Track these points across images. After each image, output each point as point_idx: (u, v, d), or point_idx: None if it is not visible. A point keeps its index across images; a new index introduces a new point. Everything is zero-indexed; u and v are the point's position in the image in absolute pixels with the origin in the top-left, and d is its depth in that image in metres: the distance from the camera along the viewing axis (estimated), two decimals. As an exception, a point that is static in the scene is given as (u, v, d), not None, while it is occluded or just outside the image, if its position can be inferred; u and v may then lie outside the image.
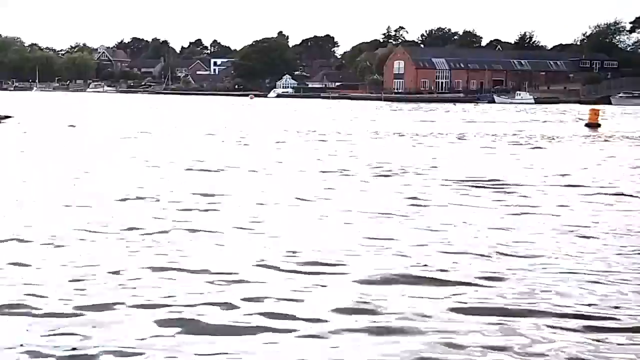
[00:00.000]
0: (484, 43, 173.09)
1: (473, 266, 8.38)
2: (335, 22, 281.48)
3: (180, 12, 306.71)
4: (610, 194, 14.33)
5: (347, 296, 7.11)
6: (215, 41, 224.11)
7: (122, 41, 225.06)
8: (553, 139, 31.89)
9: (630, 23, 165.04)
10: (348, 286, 7.48)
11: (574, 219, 11.42)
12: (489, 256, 8.88)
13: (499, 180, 16.32)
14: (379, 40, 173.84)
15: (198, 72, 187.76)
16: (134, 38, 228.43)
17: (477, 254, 8.94)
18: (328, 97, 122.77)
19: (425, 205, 12.58)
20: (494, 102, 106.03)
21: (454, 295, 7.26)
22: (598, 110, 44.99)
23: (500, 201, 13.24)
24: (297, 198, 13.07)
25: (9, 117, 36.29)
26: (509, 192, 14.39)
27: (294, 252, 8.85)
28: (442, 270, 8.14)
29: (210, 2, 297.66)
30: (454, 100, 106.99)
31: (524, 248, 9.35)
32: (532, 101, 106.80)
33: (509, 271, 8.17)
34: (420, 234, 10.10)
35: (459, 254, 8.93)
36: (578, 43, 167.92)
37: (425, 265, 8.38)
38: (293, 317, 6.48)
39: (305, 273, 7.96)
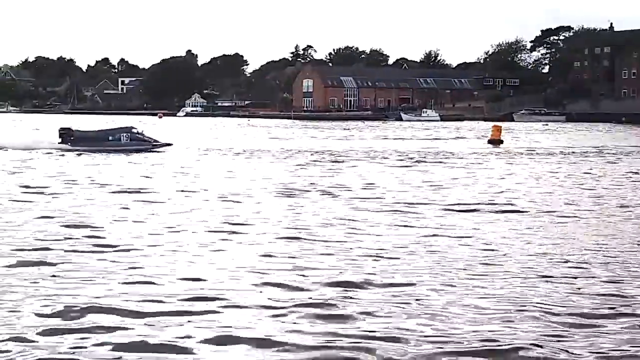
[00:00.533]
0: (390, 61, 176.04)
1: (358, 296, 8.47)
2: (244, 41, 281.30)
3: (86, 30, 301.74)
4: (508, 211, 14.70)
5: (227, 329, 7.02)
6: (122, 60, 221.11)
7: (26, 60, 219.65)
8: (457, 155, 32.60)
9: (531, 42, 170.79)
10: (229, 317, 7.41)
11: (473, 239, 11.79)
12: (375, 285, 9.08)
13: (402, 199, 16.64)
14: (287, 59, 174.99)
15: (106, 91, 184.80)
16: (38, 57, 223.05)
17: (361, 282, 8.97)
18: (237, 116, 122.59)
19: (326, 226, 12.76)
20: (401, 119, 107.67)
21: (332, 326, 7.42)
22: (500, 127, 46.23)
23: (401, 220, 13.51)
24: (199, 221, 13.09)
25: (169, 144, 34.50)
26: (402, 211, 14.65)
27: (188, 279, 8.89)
28: (327, 303, 8.14)
29: (116, 20, 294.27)
30: (362, 118, 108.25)
31: (415, 274, 9.60)
32: (438, 118, 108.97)
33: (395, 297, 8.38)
34: (316, 257, 10.24)
35: (347, 283, 8.88)
36: (481, 62, 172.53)
37: (310, 292, 8.47)
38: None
39: (202, 299, 8.02)
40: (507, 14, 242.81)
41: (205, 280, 8.60)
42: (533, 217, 13.99)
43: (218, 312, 7.38)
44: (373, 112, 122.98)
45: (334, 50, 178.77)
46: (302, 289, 8.26)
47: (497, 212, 14.62)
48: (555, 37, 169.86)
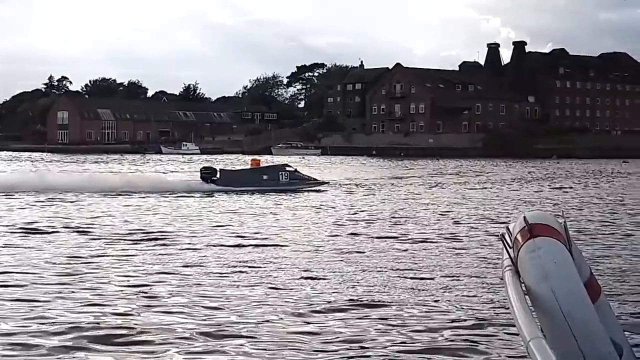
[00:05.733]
0: (149, 94, 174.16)
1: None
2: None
3: None
4: (265, 245, 14.98)
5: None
6: None
7: None
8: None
9: (287, 77, 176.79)
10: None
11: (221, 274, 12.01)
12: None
13: (166, 232, 16.58)
14: (41, 90, 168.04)
15: None
16: None
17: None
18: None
19: (86, 262, 12.47)
20: (161, 152, 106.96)
21: None
22: (259, 160, 46.96)
23: (167, 255, 13.50)
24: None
25: (326, 182, 33.19)
26: (171, 245, 14.69)
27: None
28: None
29: None
30: (121, 151, 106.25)
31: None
32: (198, 152, 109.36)
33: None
34: (78, 294, 10.01)
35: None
36: (240, 96, 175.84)
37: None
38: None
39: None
40: (263, 49, 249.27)
41: None
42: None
43: None
44: (132, 144, 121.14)
45: (90, 81, 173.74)
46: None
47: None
48: (310, 73, 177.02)
